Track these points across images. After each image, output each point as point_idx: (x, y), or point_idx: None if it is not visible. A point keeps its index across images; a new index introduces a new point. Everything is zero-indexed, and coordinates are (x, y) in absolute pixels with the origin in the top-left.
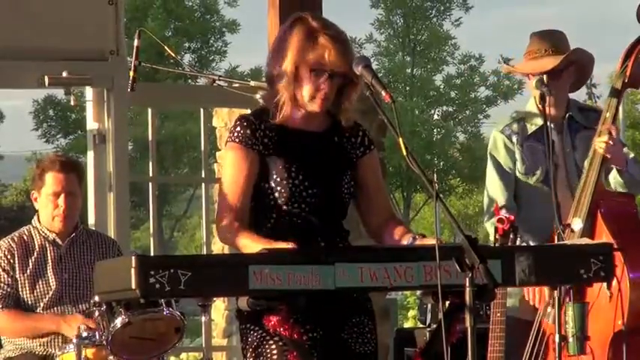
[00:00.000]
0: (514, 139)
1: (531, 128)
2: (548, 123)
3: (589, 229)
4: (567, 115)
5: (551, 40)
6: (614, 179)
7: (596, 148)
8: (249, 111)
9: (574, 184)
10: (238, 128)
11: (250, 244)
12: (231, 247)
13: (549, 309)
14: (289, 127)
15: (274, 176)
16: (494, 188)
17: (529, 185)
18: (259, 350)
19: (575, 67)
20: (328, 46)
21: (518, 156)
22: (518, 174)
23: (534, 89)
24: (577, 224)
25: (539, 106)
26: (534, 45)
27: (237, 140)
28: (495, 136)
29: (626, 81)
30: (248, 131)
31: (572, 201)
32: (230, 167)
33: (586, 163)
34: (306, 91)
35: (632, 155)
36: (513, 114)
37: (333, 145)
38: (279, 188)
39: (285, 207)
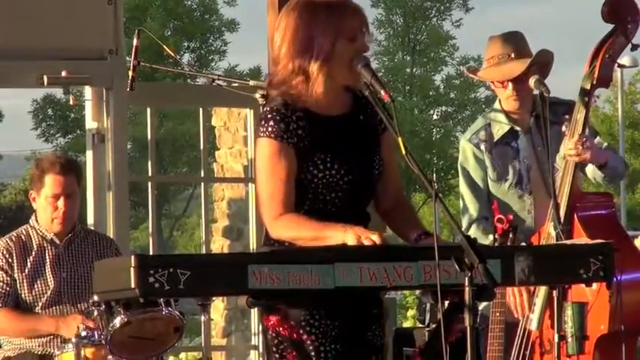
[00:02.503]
0: (482, 147)
1: (498, 133)
2: (546, 126)
3: (567, 234)
4: (534, 113)
5: (513, 43)
6: (594, 172)
7: (567, 158)
8: (248, 110)
9: (549, 183)
10: (271, 122)
11: (325, 230)
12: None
13: (531, 315)
14: (317, 114)
15: (310, 168)
16: (466, 200)
17: (503, 192)
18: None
19: (537, 66)
20: (353, 9)
21: (488, 163)
22: (490, 182)
23: (501, 91)
24: (553, 230)
25: (510, 105)
26: (496, 49)
27: (272, 136)
28: (464, 147)
29: (594, 82)
30: (282, 125)
31: (549, 201)
32: (268, 162)
33: (559, 160)
34: (343, 63)
35: (605, 144)
36: (479, 120)
37: (360, 126)
38: (315, 180)
39: (320, 197)
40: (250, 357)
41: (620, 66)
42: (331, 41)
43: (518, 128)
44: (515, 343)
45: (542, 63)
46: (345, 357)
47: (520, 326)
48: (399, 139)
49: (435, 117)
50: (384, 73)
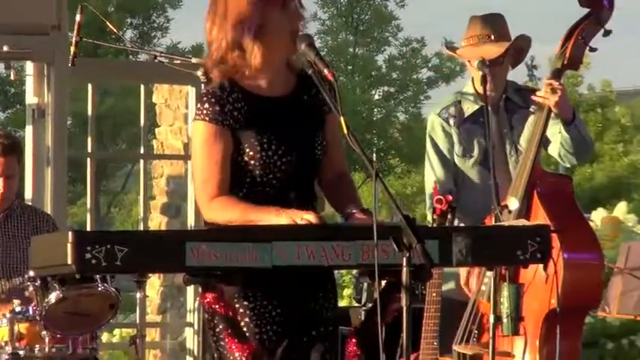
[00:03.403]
0: (451, 122)
1: (468, 111)
2: (489, 106)
3: (526, 210)
4: (504, 96)
5: (493, 25)
6: (559, 142)
7: (540, 101)
8: (189, 88)
9: (512, 164)
10: (207, 105)
11: (258, 214)
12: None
13: (483, 287)
14: (257, 95)
15: (247, 150)
16: (433, 168)
17: (467, 168)
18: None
19: (514, 50)
20: None
21: (455, 139)
22: (455, 157)
23: (475, 70)
24: (513, 204)
25: (481, 87)
26: (476, 30)
27: (207, 118)
28: (433, 120)
29: (565, 62)
30: (217, 107)
31: (509, 181)
32: (203, 146)
33: (523, 143)
34: (276, 32)
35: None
36: (450, 96)
37: (303, 106)
38: (252, 162)
39: (258, 179)
40: (185, 334)
41: (592, 50)
42: (261, 11)
43: (489, 107)
44: (464, 317)
45: (519, 48)
46: (281, 336)
47: (470, 301)
48: (341, 119)
49: (376, 97)
50: (327, 52)
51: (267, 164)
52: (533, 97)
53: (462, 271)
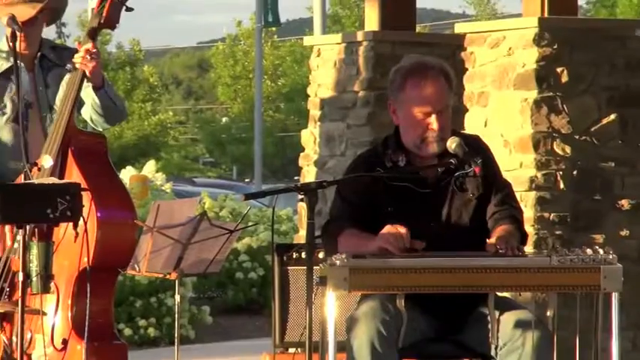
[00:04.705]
0: None
1: (2, 67)
2: (19, 62)
3: (60, 168)
4: (39, 54)
5: None
6: (90, 106)
7: (77, 65)
8: None
9: (47, 122)
10: None
11: None
12: None
13: (15, 245)
14: None
15: None
16: None
17: (1, 125)
18: None
19: (49, 10)
20: None
21: None
22: None
23: (6, 27)
24: (47, 162)
25: (10, 44)
26: None
27: None
28: None
29: (102, 22)
30: None
31: (44, 139)
32: None
33: (58, 102)
34: None
35: None
36: None
37: None
38: None
39: None
40: None
41: (128, 9)
42: None
43: (22, 65)
44: None
45: (55, 8)
46: None
47: (2, 259)
48: None
49: None
50: None
51: None
52: (73, 60)
53: None
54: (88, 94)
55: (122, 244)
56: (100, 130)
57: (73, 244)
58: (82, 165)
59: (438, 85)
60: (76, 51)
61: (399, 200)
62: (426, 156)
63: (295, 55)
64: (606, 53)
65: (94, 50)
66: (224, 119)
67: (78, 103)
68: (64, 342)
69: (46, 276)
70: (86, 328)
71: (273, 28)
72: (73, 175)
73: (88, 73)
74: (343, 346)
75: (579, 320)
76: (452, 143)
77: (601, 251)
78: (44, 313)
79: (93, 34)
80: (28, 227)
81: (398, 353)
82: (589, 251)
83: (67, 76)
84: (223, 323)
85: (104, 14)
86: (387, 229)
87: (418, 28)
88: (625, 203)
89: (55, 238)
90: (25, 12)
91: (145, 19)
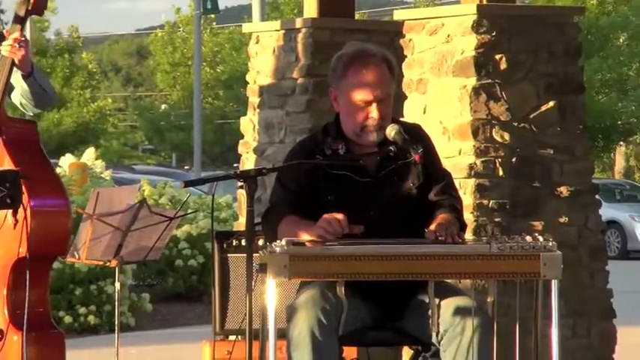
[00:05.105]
0: None
1: None
2: None
3: None
4: None
5: None
6: (19, 93)
7: (3, 53)
8: None
9: None
10: None
11: None
12: None
13: None
14: None
15: None
16: None
17: None
18: None
19: None
20: None
21: None
22: None
23: None
24: None
25: None
26: None
27: None
28: None
29: (30, 8)
30: None
31: None
32: None
33: None
34: None
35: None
36: None
37: None
38: None
39: None
40: None
41: None
42: None
43: None
44: None
45: None
46: None
47: None
48: None
49: None
50: None
51: None
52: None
53: None
54: (17, 80)
55: (57, 232)
56: (31, 114)
57: (8, 234)
58: (14, 153)
59: (380, 73)
60: (4, 38)
61: (338, 189)
62: (365, 144)
63: (234, 42)
64: (545, 40)
65: (22, 39)
66: (163, 106)
67: (9, 88)
68: (1, 333)
69: None
70: (25, 318)
71: (212, 15)
72: (5, 164)
73: (16, 62)
74: (284, 334)
75: (519, 307)
76: (391, 131)
77: (540, 238)
78: None
79: (21, 21)
80: None
81: (338, 341)
82: (528, 238)
83: None
84: (163, 311)
85: (31, 1)
86: (325, 217)
87: (357, 15)
88: (564, 190)
89: None
90: None
91: (83, 5)
